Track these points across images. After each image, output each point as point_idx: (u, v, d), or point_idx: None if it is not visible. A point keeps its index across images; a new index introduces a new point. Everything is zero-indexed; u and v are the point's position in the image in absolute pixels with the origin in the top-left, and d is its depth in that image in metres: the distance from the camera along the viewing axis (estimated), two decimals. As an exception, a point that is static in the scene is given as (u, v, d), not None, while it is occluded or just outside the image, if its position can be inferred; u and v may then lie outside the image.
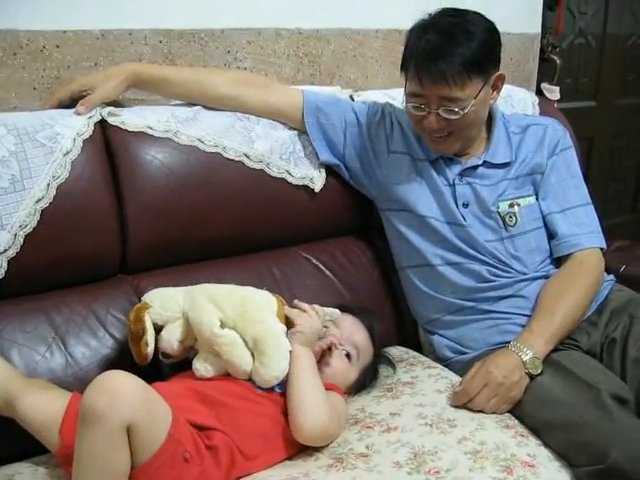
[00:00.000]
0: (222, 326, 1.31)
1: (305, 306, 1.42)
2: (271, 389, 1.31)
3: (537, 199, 1.68)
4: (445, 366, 1.64)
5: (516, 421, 1.41)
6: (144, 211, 1.55)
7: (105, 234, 1.51)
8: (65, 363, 1.41)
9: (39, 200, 1.41)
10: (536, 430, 1.39)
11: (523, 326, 1.55)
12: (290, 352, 1.32)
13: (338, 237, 1.84)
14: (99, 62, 1.68)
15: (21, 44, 1.59)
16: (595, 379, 1.39)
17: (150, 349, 1.32)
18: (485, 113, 1.61)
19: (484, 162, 1.67)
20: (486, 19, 1.55)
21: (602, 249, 1.67)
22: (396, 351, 1.71)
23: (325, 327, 1.48)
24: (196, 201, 1.59)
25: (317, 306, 1.43)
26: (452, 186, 1.66)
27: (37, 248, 1.41)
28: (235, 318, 1.31)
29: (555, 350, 1.51)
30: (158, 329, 1.36)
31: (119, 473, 1.04)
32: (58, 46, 1.63)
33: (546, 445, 1.36)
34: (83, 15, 1.64)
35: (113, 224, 1.52)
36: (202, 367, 1.31)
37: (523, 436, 1.37)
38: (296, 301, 1.43)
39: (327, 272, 1.76)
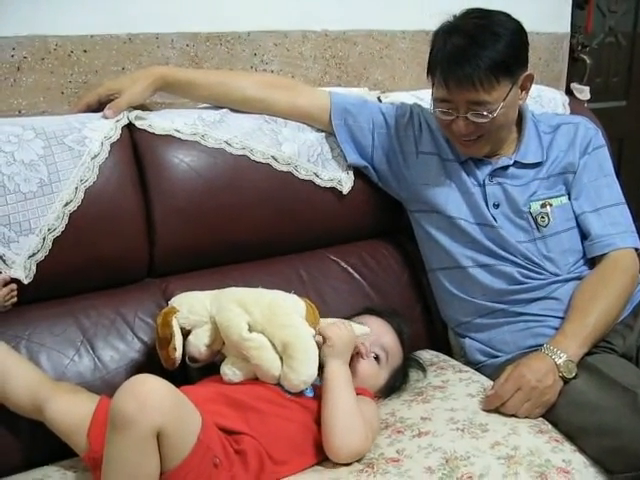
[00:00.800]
0: (250, 330, 1.29)
1: (333, 320, 1.40)
2: (300, 393, 1.29)
3: (569, 199, 1.65)
4: (476, 370, 1.61)
5: (550, 426, 1.38)
6: (171, 214, 1.54)
7: (133, 237, 1.51)
8: (93, 366, 1.41)
9: (67, 203, 1.41)
10: (571, 435, 1.35)
11: (556, 329, 1.51)
12: (321, 364, 1.30)
13: (366, 240, 1.83)
14: (126, 66, 1.69)
15: (49, 49, 1.59)
16: (631, 382, 1.35)
17: (178, 354, 1.31)
18: (514, 114, 1.59)
19: (515, 162, 1.64)
20: (512, 19, 1.52)
21: (637, 249, 1.63)
22: (426, 354, 1.69)
23: None
24: (223, 204, 1.58)
25: (345, 320, 1.41)
26: (482, 186, 1.64)
27: (65, 251, 1.42)
28: (263, 322, 1.29)
29: (589, 353, 1.48)
30: (185, 333, 1.35)
31: (149, 478, 1.03)
32: (86, 51, 1.63)
33: (581, 451, 1.32)
34: (110, 20, 1.65)
35: (141, 227, 1.51)
36: (230, 371, 1.29)
37: (557, 441, 1.33)
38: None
39: (355, 275, 1.74)
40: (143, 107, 1.61)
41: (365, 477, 1.22)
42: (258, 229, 1.63)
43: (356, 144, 1.71)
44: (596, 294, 1.52)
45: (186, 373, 1.44)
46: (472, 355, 1.65)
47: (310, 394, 1.31)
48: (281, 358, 1.29)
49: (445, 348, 1.77)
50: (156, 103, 1.70)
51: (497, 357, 1.60)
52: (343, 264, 1.75)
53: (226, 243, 1.61)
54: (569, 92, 2.55)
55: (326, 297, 1.68)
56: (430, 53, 1.54)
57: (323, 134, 1.71)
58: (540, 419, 1.40)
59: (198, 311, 1.34)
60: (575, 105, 2.14)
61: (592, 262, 1.63)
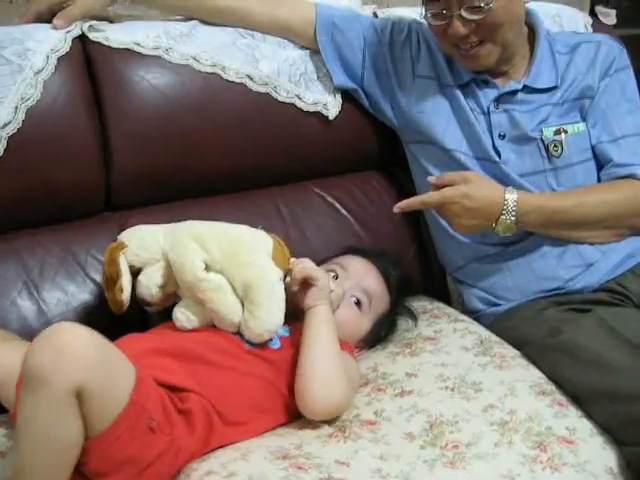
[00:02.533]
0: (207, 269, 1.12)
1: (300, 260, 1.22)
2: (264, 344, 1.13)
3: (587, 126, 1.44)
4: (474, 319, 1.43)
5: (554, 386, 1.22)
6: (130, 138, 1.36)
7: (85, 164, 1.33)
8: (37, 310, 1.26)
9: (5, 125, 1.25)
10: (578, 398, 1.18)
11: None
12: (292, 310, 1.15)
13: (357, 172, 1.63)
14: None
15: (-7, -51, 1.40)
16: (642, 339, 1.17)
17: (125, 295, 1.15)
18: (520, 12, 1.37)
19: (524, 87, 1.43)
20: None
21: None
22: (420, 301, 1.51)
23: (331, 271, 1.29)
24: (190, 128, 1.40)
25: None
26: (487, 114, 1.44)
27: (4, 180, 1.25)
28: (223, 260, 1.12)
29: (601, 303, 1.31)
30: (136, 272, 1.18)
31: (67, 445, 0.88)
32: (36, -49, 1.42)
33: (589, 417, 1.15)
34: None
35: (94, 153, 1.34)
36: (183, 316, 1.13)
37: (562, 405, 1.17)
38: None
39: (343, 210, 1.56)
40: (106, 20, 1.41)
41: (334, 443, 1.06)
42: (230, 158, 1.45)
43: (344, 63, 1.50)
44: (590, 190, 1.40)
45: (145, 318, 1.29)
46: (470, 303, 1.48)
47: (275, 346, 1.15)
48: (242, 303, 1.12)
49: (443, 295, 1.59)
50: (122, 16, 1.49)
51: (498, 305, 1.42)
52: (329, 198, 1.56)
53: (193, 173, 1.43)
54: (594, 17, 2.29)
55: (308, 235, 1.50)
56: None
57: (307, 51, 1.50)
58: (543, 378, 1.23)
59: (149, 247, 1.17)
60: (600, 28, 1.89)
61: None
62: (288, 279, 1.19)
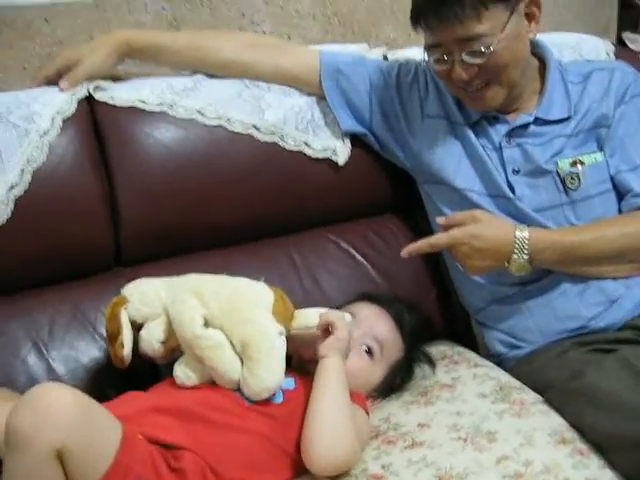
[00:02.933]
0: (207, 325, 1.11)
1: (315, 310, 1.20)
2: (265, 400, 1.09)
3: (605, 156, 1.39)
4: (497, 363, 1.38)
5: (576, 434, 1.15)
6: (138, 195, 1.37)
7: (93, 223, 1.35)
8: (46, 368, 1.26)
9: (12, 187, 1.26)
10: (600, 446, 1.11)
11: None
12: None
13: (372, 216, 1.60)
14: (95, 35, 1.53)
15: (5, 21, 1.46)
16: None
17: (126, 351, 1.14)
18: (524, 50, 1.34)
19: (536, 119, 1.39)
20: None
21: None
22: (441, 346, 1.46)
23: None
24: (198, 182, 1.40)
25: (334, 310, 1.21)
26: (499, 150, 1.40)
27: (12, 242, 1.27)
28: (222, 316, 1.10)
29: (623, 342, 1.24)
30: (138, 327, 1.17)
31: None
32: (47, 20, 1.49)
33: (612, 466, 1.08)
34: (72, -16, 1.49)
35: (102, 211, 1.35)
36: (183, 374, 1.11)
37: (582, 454, 1.10)
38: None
39: (358, 256, 1.53)
40: (115, 78, 1.44)
41: (336, 500, 1.02)
42: (240, 209, 1.44)
43: (352, 108, 1.49)
44: (613, 222, 1.34)
45: (157, 372, 1.28)
46: (492, 346, 1.42)
47: (278, 400, 1.11)
48: (242, 359, 1.10)
49: (468, 338, 1.53)
50: (131, 73, 1.52)
51: (519, 348, 1.37)
52: (343, 244, 1.53)
53: (203, 226, 1.43)
54: (621, 44, 2.23)
55: (323, 283, 1.48)
56: None
57: (314, 98, 1.49)
58: (564, 424, 1.16)
59: (151, 302, 1.16)
60: (623, 54, 1.83)
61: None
62: (294, 331, 1.17)
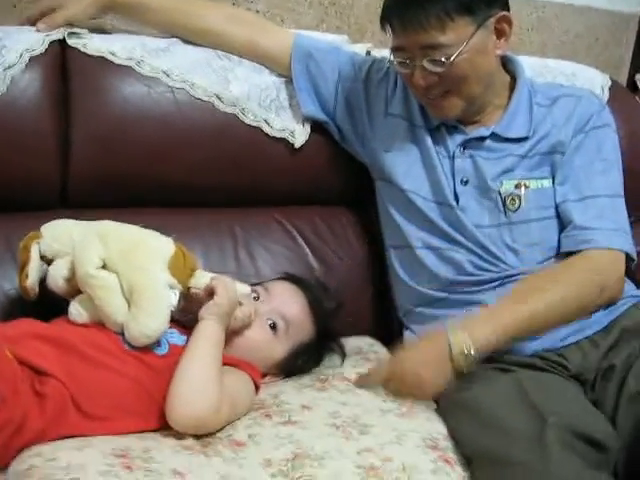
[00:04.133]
0: (105, 267, 1.14)
1: (214, 275, 1.22)
2: (148, 348, 1.12)
3: (553, 184, 1.37)
4: (409, 367, 1.37)
5: (451, 444, 1.14)
6: (92, 140, 1.41)
7: (42, 159, 1.38)
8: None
9: (-33, 112, 1.32)
10: (469, 460, 1.11)
11: None
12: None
13: (325, 205, 1.61)
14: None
15: (2, -42, 1.51)
16: (552, 408, 1.09)
17: (30, 282, 1.18)
18: (488, 66, 1.33)
19: (492, 134, 1.38)
20: None
21: (628, 255, 1.32)
22: (361, 341, 1.46)
23: (253, 292, 1.28)
24: (153, 139, 1.44)
25: (227, 277, 1.22)
26: (452, 158, 1.40)
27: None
28: (119, 261, 1.13)
29: (529, 366, 1.22)
30: (48, 262, 1.21)
31: None
32: (43, -39, 1.53)
33: (474, 480, 1.07)
34: None
35: (53, 149, 1.39)
36: (75, 310, 1.14)
37: (448, 463, 1.09)
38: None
39: (299, 239, 1.54)
40: (98, 29, 1.49)
41: (185, 454, 1.03)
42: (190, 173, 1.47)
43: (317, 95, 1.51)
44: (547, 285, 1.25)
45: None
46: (406, 350, 1.42)
47: (161, 352, 1.14)
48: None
49: (398, 340, 1.53)
50: (118, 29, 1.56)
51: (432, 355, 1.35)
52: (288, 226, 1.55)
53: (151, 182, 1.46)
54: (632, 85, 2.19)
55: (257, 259, 1.50)
56: None
57: (283, 79, 1.52)
58: (443, 433, 1.16)
59: (62, 239, 1.20)
60: (620, 93, 1.79)
61: (567, 261, 1.35)
62: (194, 290, 1.19)
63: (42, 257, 1.21)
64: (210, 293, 1.18)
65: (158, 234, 1.21)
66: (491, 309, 1.23)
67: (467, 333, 1.15)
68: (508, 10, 1.33)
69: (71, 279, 1.19)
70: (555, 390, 1.17)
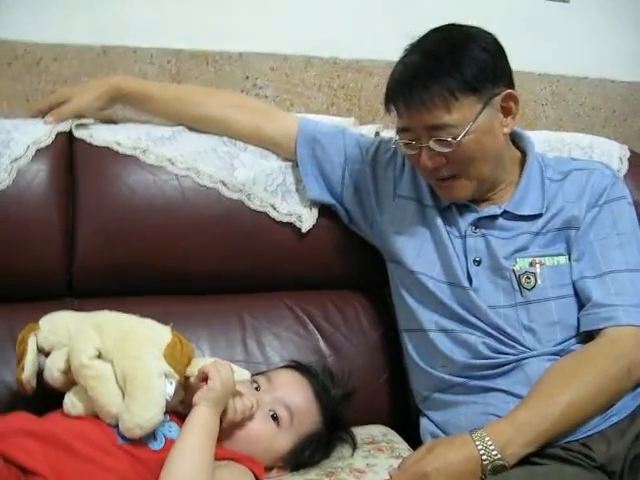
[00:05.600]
0: (100, 357, 1.11)
1: (212, 360, 1.18)
2: (142, 442, 1.08)
3: (569, 260, 1.32)
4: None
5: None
6: (96, 231, 1.41)
7: (48, 250, 1.38)
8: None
9: (-27, 205, 1.33)
10: None
11: None
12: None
13: (337, 289, 1.57)
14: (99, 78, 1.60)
15: (17, 55, 1.56)
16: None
17: (26, 375, 1.15)
18: (496, 145, 1.30)
19: (504, 212, 1.35)
20: (483, 31, 1.28)
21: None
22: (374, 430, 1.40)
23: (254, 382, 1.23)
24: (157, 227, 1.43)
25: (225, 362, 1.18)
26: (463, 238, 1.36)
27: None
28: (113, 350, 1.10)
29: (552, 457, 1.14)
30: (46, 355, 1.19)
31: None
32: (56, 59, 1.58)
33: None
34: (84, 29, 1.58)
35: (58, 240, 1.39)
36: (69, 402, 1.11)
37: None
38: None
39: (310, 326, 1.50)
40: (107, 120, 1.51)
41: None
42: (195, 260, 1.45)
43: (324, 179, 1.49)
44: (572, 378, 1.18)
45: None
46: (424, 437, 1.35)
47: (156, 446, 1.09)
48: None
49: (414, 430, 1.46)
50: (129, 119, 1.58)
51: (446, 445, 1.28)
52: (299, 312, 1.51)
53: (156, 271, 1.44)
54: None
55: (266, 346, 1.46)
56: None
57: (289, 163, 1.51)
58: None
59: (59, 331, 1.17)
60: (637, 162, 1.76)
61: (588, 341, 1.28)
62: (193, 379, 1.15)
63: (40, 350, 1.18)
64: (204, 378, 1.13)
65: (155, 323, 1.18)
66: (521, 418, 1.14)
67: (500, 447, 1.10)
68: (513, 88, 1.31)
69: (67, 371, 1.16)
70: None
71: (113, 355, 1.10)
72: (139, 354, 1.09)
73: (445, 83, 1.21)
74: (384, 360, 1.51)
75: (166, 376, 1.09)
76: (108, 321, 1.16)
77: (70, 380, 1.16)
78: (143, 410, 1.05)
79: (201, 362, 1.16)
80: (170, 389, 1.09)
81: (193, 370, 1.14)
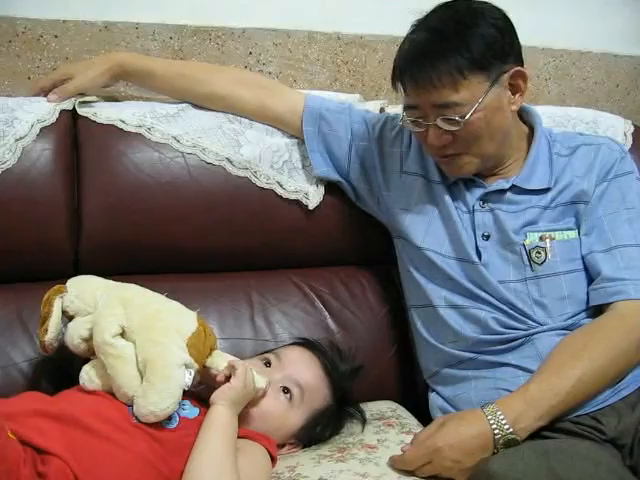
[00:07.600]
0: (123, 336, 1.10)
1: (234, 359, 1.18)
2: (158, 422, 1.07)
3: (579, 234, 1.32)
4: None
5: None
6: (103, 208, 1.40)
7: (54, 229, 1.37)
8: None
9: (-22, 185, 1.31)
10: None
11: None
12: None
13: (344, 266, 1.57)
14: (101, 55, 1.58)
15: (17, 32, 1.53)
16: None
17: (49, 337, 1.14)
18: (503, 122, 1.29)
19: (513, 186, 1.34)
20: (492, 6, 1.26)
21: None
22: (382, 406, 1.40)
23: (264, 360, 1.24)
24: (163, 205, 1.42)
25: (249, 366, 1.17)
26: (471, 213, 1.36)
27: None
28: (138, 331, 1.10)
29: (562, 431, 1.14)
30: (70, 319, 1.17)
31: None
32: (57, 36, 1.55)
33: None
34: (85, 4, 1.56)
35: (64, 218, 1.38)
36: (87, 375, 1.11)
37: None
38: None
39: (318, 303, 1.50)
40: (109, 97, 1.50)
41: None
42: (202, 238, 1.44)
43: (330, 155, 1.48)
44: (582, 352, 1.19)
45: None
46: (433, 413, 1.36)
47: (170, 426, 1.09)
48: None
49: (424, 404, 1.46)
50: (132, 97, 1.57)
51: (456, 420, 1.28)
52: (306, 289, 1.51)
53: (163, 249, 1.44)
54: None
55: (275, 325, 1.45)
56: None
57: (295, 140, 1.50)
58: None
59: (85, 298, 1.16)
60: (640, 137, 1.76)
61: (598, 315, 1.28)
62: (213, 370, 1.15)
63: (63, 312, 1.17)
64: (228, 375, 1.13)
65: (182, 307, 1.17)
66: (532, 393, 1.15)
67: (511, 421, 1.11)
68: (522, 64, 1.30)
69: (88, 340, 1.14)
70: (586, 461, 1.08)
71: (137, 337, 1.09)
72: (163, 341, 1.08)
73: (453, 62, 1.20)
74: (391, 336, 1.52)
75: (186, 366, 1.09)
76: (135, 298, 1.14)
77: (90, 348, 1.15)
78: (160, 399, 1.05)
79: (220, 355, 1.16)
80: (189, 379, 1.08)
81: (212, 361, 1.14)
